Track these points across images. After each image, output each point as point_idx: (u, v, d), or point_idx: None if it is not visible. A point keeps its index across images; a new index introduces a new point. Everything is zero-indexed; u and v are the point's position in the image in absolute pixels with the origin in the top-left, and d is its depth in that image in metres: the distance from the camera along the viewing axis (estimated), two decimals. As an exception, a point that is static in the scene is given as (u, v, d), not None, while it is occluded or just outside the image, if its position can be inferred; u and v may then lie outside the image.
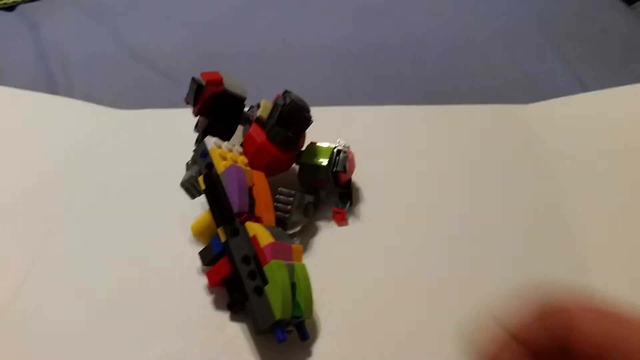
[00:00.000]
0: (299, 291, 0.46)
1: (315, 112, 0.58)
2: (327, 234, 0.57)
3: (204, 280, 0.51)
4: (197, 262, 0.52)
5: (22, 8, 1.03)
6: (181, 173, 0.57)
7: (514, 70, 0.79)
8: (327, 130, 0.61)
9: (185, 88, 0.56)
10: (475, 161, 0.64)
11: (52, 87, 0.81)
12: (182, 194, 0.56)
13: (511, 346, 0.24)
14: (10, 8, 1.04)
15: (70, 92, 0.80)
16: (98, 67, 0.86)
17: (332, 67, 0.83)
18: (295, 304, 0.45)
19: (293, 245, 0.49)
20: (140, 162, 0.67)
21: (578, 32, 0.86)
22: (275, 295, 0.44)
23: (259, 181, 0.53)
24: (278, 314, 0.44)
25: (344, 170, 0.57)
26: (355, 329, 0.48)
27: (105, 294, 0.52)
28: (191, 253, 0.53)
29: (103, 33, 0.94)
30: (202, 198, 0.53)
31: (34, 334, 0.49)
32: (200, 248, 0.52)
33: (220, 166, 0.51)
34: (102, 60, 0.87)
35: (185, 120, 0.62)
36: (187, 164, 0.57)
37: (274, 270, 0.45)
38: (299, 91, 0.58)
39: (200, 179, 0.52)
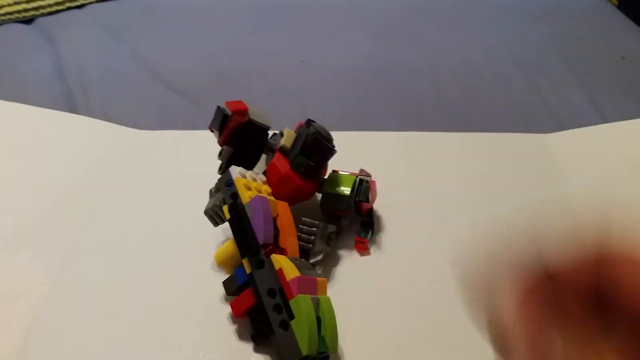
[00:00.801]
0: (324, 325, 0.46)
1: (335, 137, 0.58)
2: (349, 263, 0.57)
3: (226, 309, 0.51)
4: (220, 291, 0.52)
5: (40, 21, 1.04)
6: (202, 197, 0.57)
7: (532, 97, 0.79)
8: (347, 157, 0.61)
9: (203, 108, 0.56)
10: (496, 190, 0.64)
11: (70, 104, 0.81)
12: (204, 220, 0.56)
13: (547, 283, 0.24)
14: (29, 21, 1.04)
15: (88, 108, 0.80)
16: (116, 84, 0.86)
17: (350, 89, 0.83)
18: (320, 339, 0.45)
19: (318, 279, 0.49)
20: (161, 184, 0.66)
21: (597, 59, 0.86)
22: (302, 330, 0.44)
23: (283, 212, 0.53)
24: (304, 350, 0.43)
25: (367, 200, 0.57)
26: (379, 361, 0.48)
27: (126, 322, 0.52)
28: (214, 281, 0.53)
29: (121, 49, 0.95)
30: (225, 225, 0.53)
31: (52, 355, 0.49)
32: (223, 276, 0.52)
33: (245, 196, 0.51)
34: (120, 78, 0.88)
35: (205, 142, 0.62)
36: (211, 190, 0.57)
37: (301, 304, 0.45)
38: (317, 113, 0.58)
39: (225, 208, 0.52)
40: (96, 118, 0.77)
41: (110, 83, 0.87)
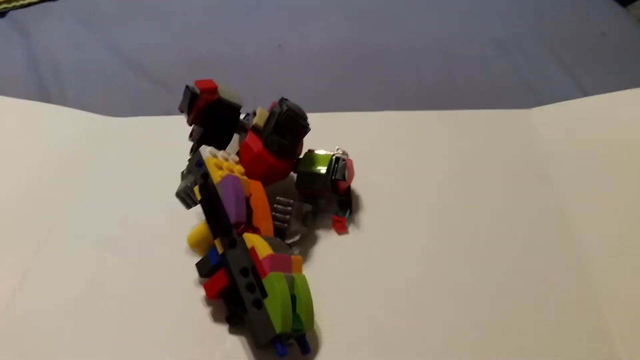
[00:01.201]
0: (299, 304, 0.45)
1: (312, 118, 0.57)
2: (327, 243, 0.56)
3: (201, 292, 0.50)
4: (194, 274, 0.51)
5: (13, 14, 1.02)
6: (176, 182, 0.55)
7: (512, 75, 0.78)
8: (324, 137, 0.60)
9: (179, 95, 0.55)
10: (475, 167, 0.63)
11: (44, 95, 0.80)
12: (177, 204, 0.55)
13: None
14: (2, 14, 1.02)
15: (62, 100, 0.79)
16: (90, 74, 0.85)
17: (328, 72, 0.82)
18: (295, 317, 0.44)
19: (292, 257, 0.47)
20: (134, 170, 0.65)
21: (577, 37, 0.85)
22: (275, 308, 0.43)
23: (256, 191, 0.52)
24: (278, 328, 0.42)
25: (343, 179, 0.56)
26: (356, 341, 0.47)
27: (99, 306, 0.51)
28: (187, 264, 0.52)
29: (95, 40, 0.93)
30: (198, 208, 0.52)
31: (27, 341, 0.48)
32: (197, 259, 0.51)
33: (216, 176, 0.50)
34: (94, 68, 0.86)
35: (179, 128, 0.61)
36: (182, 173, 0.55)
37: (274, 282, 0.44)
38: (295, 97, 0.57)
39: (196, 189, 0.50)
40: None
41: (84, 73, 0.85)
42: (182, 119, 0.57)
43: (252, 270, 0.45)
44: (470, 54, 0.83)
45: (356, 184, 0.60)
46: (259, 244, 0.46)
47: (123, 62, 0.86)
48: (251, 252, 0.46)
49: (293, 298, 0.45)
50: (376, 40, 0.87)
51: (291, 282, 0.46)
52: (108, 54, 0.89)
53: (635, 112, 0.67)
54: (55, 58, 0.88)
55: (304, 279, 0.47)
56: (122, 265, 0.54)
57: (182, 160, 0.56)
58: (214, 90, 0.53)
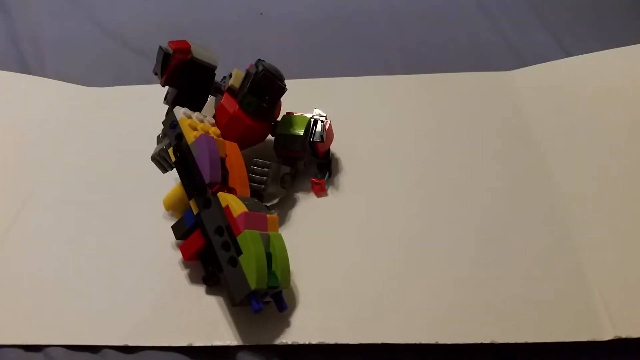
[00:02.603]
0: (275, 261, 0.45)
1: (292, 84, 0.56)
2: (306, 205, 0.55)
3: (178, 255, 0.50)
4: (171, 237, 0.51)
5: (-7, -10, 1.00)
6: (153, 148, 0.55)
7: (495, 37, 0.77)
8: (305, 102, 0.60)
9: (159, 64, 0.54)
10: (457, 128, 0.62)
11: (24, 68, 0.79)
12: (154, 169, 0.55)
13: None
14: (-20, -9, 1.00)
15: (42, 72, 0.78)
16: (71, 46, 0.84)
17: (310, 39, 0.81)
18: (271, 274, 0.44)
19: (268, 215, 0.47)
20: (113, 138, 0.65)
21: (561, -2, 0.84)
22: (250, 265, 0.43)
23: (232, 152, 0.51)
24: (253, 284, 0.42)
25: (322, 140, 0.56)
26: (334, 300, 0.47)
27: (78, 270, 0.51)
28: (164, 227, 0.52)
29: (75, 12, 0.91)
30: (174, 172, 0.52)
31: (6, 302, 0.48)
32: (173, 222, 0.50)
33: (190, 137, 0.49)
34: (74, 40, 0.85)
35: (159, 96, 0.60)
36: (158, 137, 0.55)
37: (248, 240, 0.44)
38: (278, 64, 0.56)
39: (171, 150, 0.50)
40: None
41: (64, 45, 0.84)
42: (160, 87, 0.56)
43: (227, 228, 0.45)
44: (452, 15, 0.82)
45: (336, 147, 0.60)
46: (233, 203, 0.46)
47: (103, 34, 0.85)
48: (226, 211, 0.46)
49: (269, 256, 0.45)
50: (357, 4, 0.86)
51: (267, 240, 0.45)
52: (88, 26, 0.88)
53: (617, 72, 0.67)
54: (35, 32, 0.87)
55: (279, 237, 0.47)
56: (100, 229, 0.54)
57: (160, 127, 0.55)
58: (187, 50, 0.52)
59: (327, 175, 0.57)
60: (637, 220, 0.50)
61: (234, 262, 0.44)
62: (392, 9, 0.84)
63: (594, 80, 0.66)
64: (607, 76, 0.67)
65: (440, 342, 0.43)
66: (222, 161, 0.50)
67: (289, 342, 0.43)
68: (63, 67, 0.79)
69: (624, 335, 0.42)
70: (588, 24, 0.79)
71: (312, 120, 0.57)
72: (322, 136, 0.56)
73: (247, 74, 0.54)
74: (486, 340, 0.42)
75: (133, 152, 0.61)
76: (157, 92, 0.60)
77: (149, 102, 0.66)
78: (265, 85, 0.53)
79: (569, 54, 0.73)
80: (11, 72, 0.76)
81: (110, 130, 0.66)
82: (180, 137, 0.50)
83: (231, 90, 0.54)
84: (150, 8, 0.91)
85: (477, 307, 0.45)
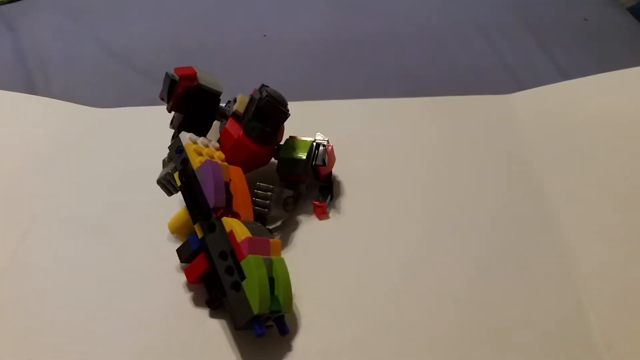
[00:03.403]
0: (277, 286, 0.46)
1: (294, 106, 0.57)
2: (308, 228, 0.56)
3: (182, 278, 0.51)
4: (175, 260, 0.52)
5: (1, 9, 1.02)
6: (159, 170, 0.56)
7: (494, 60, 0.79)
8: (307, 125, 0.61)
9: (163, 86, 0.55)
10: (456, 152, 0.63)
11: (30, 88, 0.81)
12: (160, 192, 0.56)
13: None
14: (-12, 10, 1.02)
15: (48, 92, 0.80)
16: (77, 67, 0.85)
17: (312, 61, 0.82)
18: (273, 298, 0.45)
19: (271, 240, 0.48)
20: (118, 159, 0.66)
21: (559, 22, 0.86)
22: (253, 290, 0.44)
23: (236, 177, 0.52)
24: (255, 309, 0.43)
25: (324, 164, 0.57)
26: (335, 323, 0.47)
27: (82, 292, 0.51)
28: (168, 250, 0.53)
29: (82, 33, 0.93)
30: (180, 195, 0.53)
31: (13, 322, 0.49)
32: (178, 245, 0.51)
33: (195, 162, 0.50)
34: (80, 60, 0.87)
35: (163, 117, 0.61)
36: (164, 160, 0.56)
37: (251, 265, 0.44)
38: (280, 86, 0.57)
39: (176, 175, 0.51)
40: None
41: (71, 66, 0.86)
42: (165, 109, 0.57)
43: (231, 253, 0.46)
44: (452, 39, 0.83)
45: (337, 170, 0.61)
46: (237, 228, 0.47)
47: (108, 54, 0.87)
48: (230, 236, 0.47)
49: (271, 280, 0.46)
50: (359, 28, 0.88)
51: (269, 265, 0.46)
52: (94, 46, 0.89)
53: (614, 95, 0.68)
54: (42, 52, 0.89)
55: (282, 261, 0.48)
56: (105, 250, 0.55)
57: (166, 149, 0.56)
58: (193, 76, 0.53)
59: (329, 198, 0.58)
60: (635, 246, 0.51)
61: (237, 286, 0.45)
62: (393, 33, 0.86)
63: (591, 103, 0.67)
64: (604, 99, 0.68)
65: (439, 365, 0.43)
66: (227, 185, 0.51)
67: (291, 366, 0.44)
68: (69, 88, 0.81)
69: (620, 360, 0.42)
70: (586, 47, 0.80)
71: (314, 144, 0.58)
72: (324, 160, 0.57)
73: (251, 99, 0.55)
74: (484, 363, 0.43)
75: (138, 173, 0.62)
76: (162, 113, 0.61)
77: (153, 123, 0.67)
78: (269, 111, 0.54)
79: (566, 77, 0.74)
80: (17, 93, 0.77)
81: (116, 151, 0.67)
82: (186, 162, 0.51)
83: (235, 115, 0.55)
84: (155, 30, 0.93)
85: (476, 330, 0.46)
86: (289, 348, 0.45)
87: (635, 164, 0.59)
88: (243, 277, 0.45)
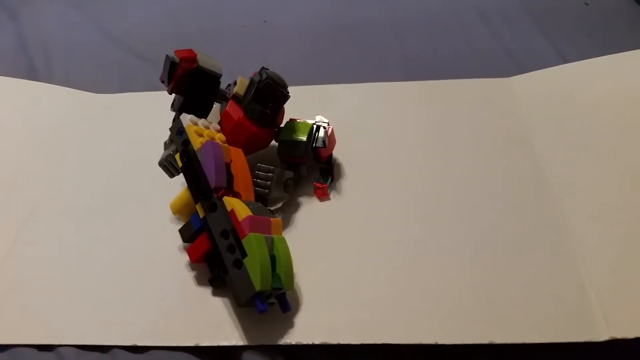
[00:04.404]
0: (278, 263, 0.46)
1: (295, 90, 0.58)
2: (309, 209, 0.57)
3: (185, 257, 0.51)
4: (178, 240, 0.52)
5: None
6: (160, 154, 0.56)
7: (495, 44, 0.79)
8: (308, 109, 0.62)
9: (164, 71, 0.56)
10: (457, 134, 0.63)
11: (32, 75, 0.81)
12: (162, 174, 0.56)
13: None
14: (-10, 0, 1.02)
15: (50, 79, 0.80)
16: (79, 54, 0.85)
17: (313, 47, 0.82)
18: (275, 276, 0.45)
19: (272, 219, 0.48)
20: (121, 144, 0.66)
21: (559, 6, 0.85)
22: (254, 267, 0.44)
23: (237, 157, 0.53)
24: (257, 286, 0.44)
25: (324, 146, 0.57)
26: (337, 301, 0.48)
27: (87, 273, 0.52)
28: (171, 231, 0.53)
29: (83, 21, 0.93)
30: (181, 177, 0.53)
31: (14, 310, 0.49)
32: (180, 226, 0.52)
33: (196, 143, 0.51)
34: (82, 47, 0.87)
35: (164, 103, 0.61)
36: (165, 143, 0.56)
37: (252, 243, 0.45)
38: (280, 71, 0.57)
39: (177, 156, 0.51)
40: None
41: (73, 53, 0.86)
42: (167, 94, 0.58)
43: (232, 231, 0.46)
44: (452, 23, 0.83)
45: (338, 153, 0.61)
46: (238, 207, 0.47)
47: (109, 41, 0.87)
48: (231, 215, 0.47)
49: (272, 258, 0.46)
50: (359, 13, 0.87)
51: (271, 243, 0.47)
52: (95, 33, 0.90)
53: (614, 78, 0.68)
54: (44, 39, 0.89)
55: (283, 240, 0.48)
56: (108, 233, 0.56)
57: (167, 133, 0.57)
58: (193, 58, 0.54)
59: (330, 179, 0.58)
60: (633, 225, 0.51)
61: (239, 264, 0.45)
62: (394, 18, 0.86)
63: (591, 86, 0.67)
64: (604, 82, 0.68)
65: (440, 342, 0.44)
66: (227, 166, 0.51)
67: (293, 342, 0.45)
68: (71, 74, 0.81)
69: (619, 336, 0.43)
70: (585, 31, 0.80)
71: (315, 126, 0.58)
72: (324, 142, 0.57)
73: (251, 81, 0.55)
74: (485, 340, 0.44)
75: (140, 157, 0.63)
76: (163, 98, 0.61)
77: (155, 109, 0.67)
78: (268, 93, 0.55)
79: (566, 60, 0.74)
80: (19, 79, 0.77)
81: (118, 136, 0.67)
82: (187, 143, 0.51)
83: (236, 98, 0.55)
84: (156, 17, 0.93)
85: (476, 308, 0.46)
86: (290, 325, 0.46)
87: (634, 145, 0.59)
88: (245, 255, 0.45)
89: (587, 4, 0.86)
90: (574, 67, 0.71)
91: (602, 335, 0.43)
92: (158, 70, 0.78)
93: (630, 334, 0.43)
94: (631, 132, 0.61)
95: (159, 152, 0.57)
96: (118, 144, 0.66)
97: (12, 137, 0.68)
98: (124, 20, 0.93)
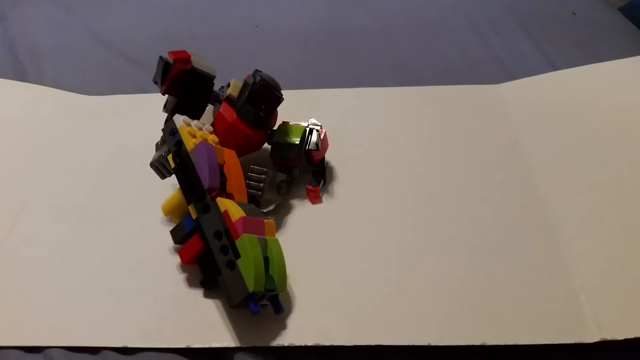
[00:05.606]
0: (272, 265, 0.46)
1: (287, 94, 0.58)
2: (301, 211, 0.57)
3: (176, 259, 0.51)
4: (169, 242, 0.52)
5: (-10, 0, 1.01)
6: (151, 156, 0.56)
7: (484, 52, 0.80)
8: (300, 112, 0.62)
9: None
10: (446, 140, 0.64)
11: (21, 76, 0.80)
12: (153, 176, 0.56)
13: None
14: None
15: (39, 80, 0.79)
16: (68, 56, 0.85)
17: (304, 51, 0.82)
18: (268, 277, 0.45)
19: (265, 220, 0.48)
20: (111, 146, 0.66)
21: (548, 15, 0.87)
22: (248, 268, 0.44)
23: (230, 159, 0.52)
24: (251, 287, 0.43)
25: (317, 149, 0.57)
26: (329, 303, 0.48)
27: (77, 274, 0.51)
28: (162, 232, 0.53)
29: (73, 23, 0.93)
30: (173, 179, 0.53)
31: (1, 309, 0.48)
32: (171, 227, 0.51)
33: (189, 143, 0.50)
34: (72, 50, 0.86)
35: (155, 104, 0.61)
36: (157, 144, 0.56)
37: (246, 244, 0.45)
38: (273, 75, 0.57)
39: (170, 157, 0.51)
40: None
41: (62, 55, 0.85)
42: (157, 96, 0.58)
43: (225, 232, 0.46)
44: (443, 30, 0.84)
45: (330, 156, 0.61)
46: (231, 208, 0.47)
47: (99, 43, 0.87)
48: (224, 216, 0.47)
49: (266, 259, 0.46)
50: (350, 19, 0.88)
51: (264, 244, 0.47)
52: (85, 35, 0.89)
53: (601, 85, 0.69)
54: (33, 41, 0.88)
55: (276, 241, 0.48)
56: (98, 235, 0.55)
57: (158, 135, 0.56)
58: (187, 59, 0.54)
59: (322, 182, 0.59)
60: (622, 228, 0.52)
61: (232, 265, 0.45)
62: (384, 24, 0.86)
63: (579, 94, 0.69)
64: (592, 90, 0.69)
65: (433, 343, 0.44)
66: (221, 167, 0.51)
67: (286, 344, 0.44)
68: (60, 76, 0.80)
69: (609, 337, 0.43)
70: (574, 39, 0.82)
71: (308, 129, 0.58)
72: (317, 145, 0.57)
73: (245, 83, 0.55)
74: (477, 342, 0.44)
75: (131, 159, 0.62)
76: (154, 100, 0.61)
77: (145, 111, 0.67)
78: (262, 95, 0.55)
79: (555, 68, 0.75)
80: (8, 80, 0.77)
81: (108, 138, 0.67)
82: (179, 144, 0.51)
83: (229, 100, 0.55)
84: (146, 19, 0.93)
85: (468, 310, 0.46)
86: (283, 326, 0.46)
87: (621, 151, 0.60)
88: (238, 256, 0.45)
89: (575, 14, 0.87)
90: (562, 75, 0.72)
91: (592, 337, 0.43)
92: (148, 72, 0.79)
93: (620, 335, 0.43)
94: (618, 138, 0.62)
95: (150, 153, 0.57)
96: (108, 145, 0.66)
97: (1, 138, 0.67)
98: (114, 23, 0.92)
